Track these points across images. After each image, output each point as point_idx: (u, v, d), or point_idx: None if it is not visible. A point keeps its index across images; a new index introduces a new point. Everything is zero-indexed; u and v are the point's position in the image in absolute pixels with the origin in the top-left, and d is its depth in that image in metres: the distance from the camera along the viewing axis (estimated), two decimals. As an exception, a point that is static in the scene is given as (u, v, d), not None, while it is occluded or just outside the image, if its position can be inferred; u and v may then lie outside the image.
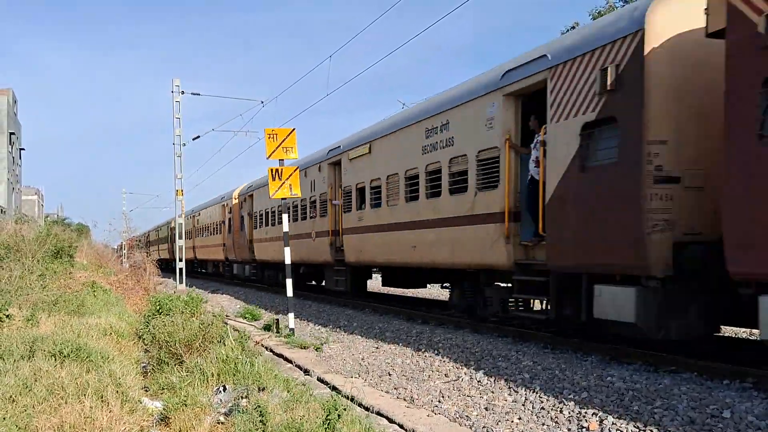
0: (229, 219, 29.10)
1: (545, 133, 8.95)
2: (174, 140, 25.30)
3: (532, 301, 10.12)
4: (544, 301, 9.42)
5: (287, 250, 12.34)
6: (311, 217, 18.16)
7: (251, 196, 25.48)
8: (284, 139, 11.89)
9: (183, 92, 25.06)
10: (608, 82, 7.67)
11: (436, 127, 11.63)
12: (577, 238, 8.24)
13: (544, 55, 9.00)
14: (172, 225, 42.53)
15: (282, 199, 12.23)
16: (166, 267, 38.82)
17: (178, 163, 25.41)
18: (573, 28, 24.60)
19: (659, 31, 7.24)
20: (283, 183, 11.95)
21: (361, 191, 15.06)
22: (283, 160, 12.01)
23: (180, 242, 26.13)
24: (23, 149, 62.45)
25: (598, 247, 7.93)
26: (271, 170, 12.00)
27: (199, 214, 36.18)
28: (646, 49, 7.25)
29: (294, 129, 12.00)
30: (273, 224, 21.77)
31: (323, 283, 19.37)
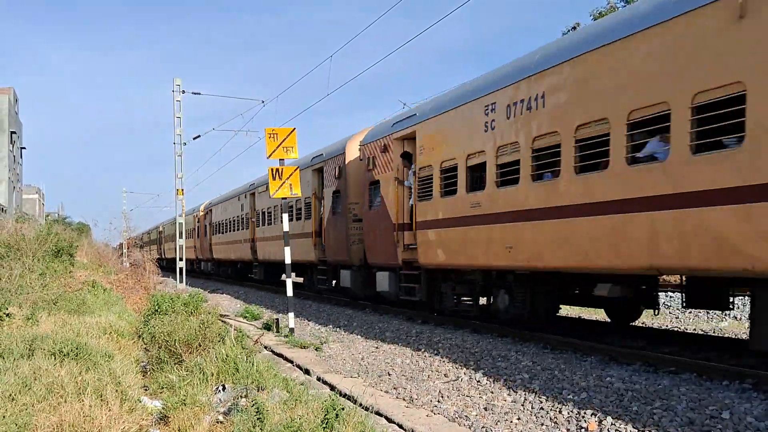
0: (198, 227, 37.57)
1: (324, 193, 17.52)
2: (175, 139, 25.36)
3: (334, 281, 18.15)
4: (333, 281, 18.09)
5: (287, 250, 12.35)
6: (241, 229, 27.09)
7: (210, 210, 34.36)
8: (284, 139, 11.90)
9: (184, 91, 25.09)
10: (337, 173, 16.35)
11: None
12: (334, 247, 16.80)
13: (322, 153, 17.83)
14: (160, 229, 54.40)
15: (283, 198, 12.24)
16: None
17: (179, 163, 25.48)
18: (574, 28, 24.71)
19: (349, 153, 15.73)
20: (284, 182, 11.95)
21: (263, 214, 23.81)
22: (283, 159, 12.02)
23: (180, 241, 26.13)
24: (24, 148, 62.39)
25: (338, 251, 16.43)
26: (272, 170, 12.00)
27: None
28: (346, 161, 15.87)
29: (294, 129, 12.05)
30: (223, 233, 31.12)
31: (249, 275, 28.29)
